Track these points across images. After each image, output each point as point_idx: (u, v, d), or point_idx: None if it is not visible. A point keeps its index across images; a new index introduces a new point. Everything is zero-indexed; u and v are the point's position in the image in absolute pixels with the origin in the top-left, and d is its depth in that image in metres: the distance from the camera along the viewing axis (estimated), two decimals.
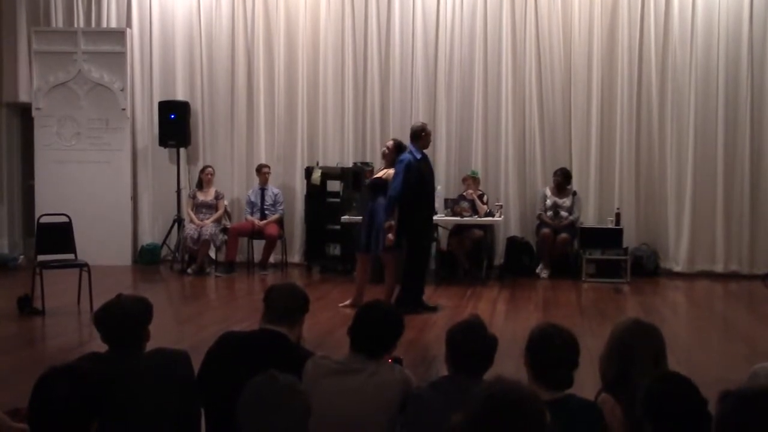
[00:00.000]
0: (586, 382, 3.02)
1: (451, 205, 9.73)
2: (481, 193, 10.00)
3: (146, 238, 11.05)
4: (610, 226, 10.00)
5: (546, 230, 9.95)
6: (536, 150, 10.50)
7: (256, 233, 10.32)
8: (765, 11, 10.09)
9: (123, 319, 3.17)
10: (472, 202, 9.71)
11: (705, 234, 10.23)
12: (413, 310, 7.55)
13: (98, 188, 10.63)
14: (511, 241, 10.31)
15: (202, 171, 10.53)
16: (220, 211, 10.43)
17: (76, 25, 11.01)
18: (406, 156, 7.67)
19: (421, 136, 7.86)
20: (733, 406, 2.24)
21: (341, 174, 10.27)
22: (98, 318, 3.22)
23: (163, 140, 10.72)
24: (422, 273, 8.06)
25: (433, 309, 7.88)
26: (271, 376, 2.40)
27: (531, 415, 2.03)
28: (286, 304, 3.46)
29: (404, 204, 7.59)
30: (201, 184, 10.48)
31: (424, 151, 7.95)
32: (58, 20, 11.11)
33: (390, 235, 7.54)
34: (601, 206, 10.39)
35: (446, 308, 8.00)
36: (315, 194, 10.39)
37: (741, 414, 2.20)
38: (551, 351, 2.86)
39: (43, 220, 8.17)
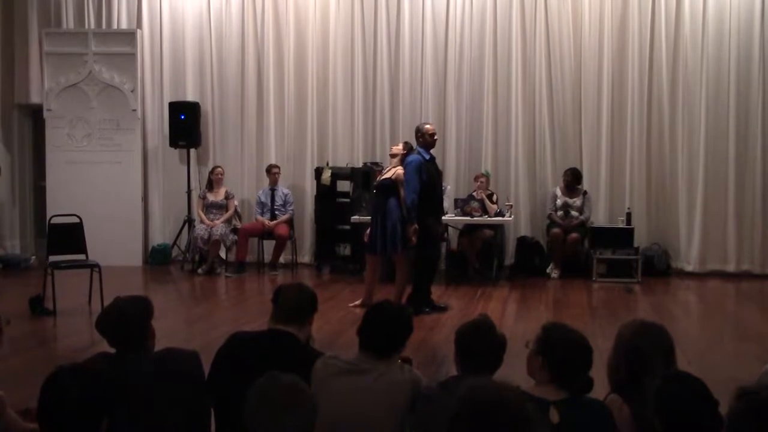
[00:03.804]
0: (597, 383, 3.00)
1: (461, 205, 9.71)
2: (490, 192, 9.98)
3: (157, 239, 11.09)
4: (620, 225, 9.97)
5: (556, 230, 9.92)
6: (546, 150, 10.47)
7: (266, 233, 10.34)
8: None
9: (123, 321, 3.19)
10: (482, 202, 9.70)
11: (716, 233, 10.18)
12: (423, 310, 7.57)
13: (109, 189, 10.67)
14: (522, 241, 10.29)
15: (212, 171, 10.56)
16: (231, 212, 10.45)
17: (86, 27, 11.06)
18: (415, 157, 7.65)
19: (417, 136, 7.84)
20: (747, 407, 2.23)
21: (351, 174, 10.27)
22: (100, 324, 3.25)
23: (174, 141, 10.75)
24: (432, 273, 8.06)
25: (443, 309, 7.88)
26: (273, 376, 2.39)
27: (510, 417, 2.01)
28: (294, 304, 3.46)
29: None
30: (211, 185, 10.51)
31: (432, 151, 7.92)
32: (68, 22, 11.16)
33: (413, 237, 7.54)
34: (612, 206, 10.36)
35: (456, 308, 7.99)
36: (325, 194, 10.40)
37: (755, 416, 2.19)
38: (571, 352, 2.84)
39: (55, 220, 8.21)
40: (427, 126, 7.96)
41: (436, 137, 7.96)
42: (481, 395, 2.04)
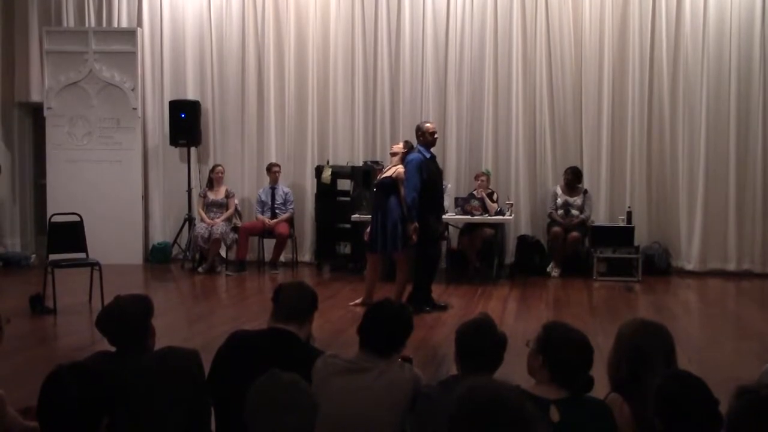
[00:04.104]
0: (597, 382, 3.00)
1: (462, 204, 9.71)
2: (490, 191, 9.98)
3: (157, 237, 11.09)
4: (621, 224, 9.96)
5: (557, 229, 9.92)
6: (547, 148, 10.47)
7: (266, 232, 10.34)
8: None
9: (124, 320, 3.19)
10: (483, 201, 9.69)
11: (717, 232, 10.17)
12: (423, 309, 7.57)
13: (109, 187, 10.67)
14: (522, 240, 10.28)
15: (213, 170, 10.56)
16: (231, 210, 10.45)
17: (87, 25, 11.06)
18: (415, 156, 7.65)
19: (418, 134, 7.85)
20: (747, 406, 2.23)
21: (351, 173, 10.26)
22: (100, 322, 3.25)
23: (174, 139, 10.75)
24: (432, 272, 8.05)
25: (443, 307, 7.87)
26: (274, 375, 2.39)
27: (510, 416, 2.01)
28: (295, 303, 3.46)
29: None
30: (211, 183, 10.51)
31: (432, 150, 7.91)
32: (69, 20, 11.16)
33: (413, 236, 7.54)
34: (613, 204, 10.35)
35: (456, 307, 7.99)
36: (325, 193, 10.40)
37: (755, 415, 2.19)
38: (571, 351, 2.83)
39: (55, 219, 8.20)
40: (428, 125, 7.95)
41: (436, 136, 7.95)
42: (481, 394, 2.03)
